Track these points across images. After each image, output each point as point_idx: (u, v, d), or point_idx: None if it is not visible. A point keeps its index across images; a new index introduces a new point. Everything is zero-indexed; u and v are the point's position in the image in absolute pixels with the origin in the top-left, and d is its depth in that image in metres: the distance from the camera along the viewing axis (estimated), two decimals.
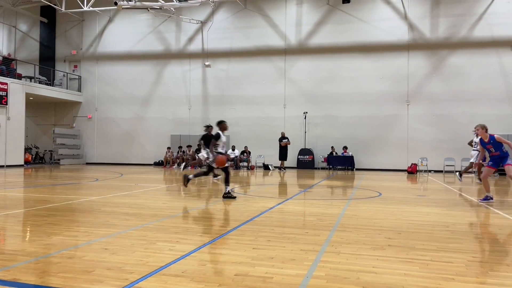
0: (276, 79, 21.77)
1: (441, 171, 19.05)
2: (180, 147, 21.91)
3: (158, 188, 11.18)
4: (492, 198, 8.16)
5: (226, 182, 8.53)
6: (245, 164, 21.14)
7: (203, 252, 4.18)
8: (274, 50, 21.80)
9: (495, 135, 8.04)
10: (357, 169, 20.11)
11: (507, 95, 18.89)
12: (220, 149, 8.50)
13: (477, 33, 19.27)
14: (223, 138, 8.59)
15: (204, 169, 9.13)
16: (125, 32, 23.92)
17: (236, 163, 20.74)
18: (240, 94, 22.13)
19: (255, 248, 4.34)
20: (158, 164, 22.35)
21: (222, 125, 8.66)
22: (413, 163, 19.00)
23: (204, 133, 13.63)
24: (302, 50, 21.51)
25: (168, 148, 22.17)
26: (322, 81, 21.14)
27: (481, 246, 4.52)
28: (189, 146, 21.52)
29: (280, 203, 7.88)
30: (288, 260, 3.87)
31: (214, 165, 8.57)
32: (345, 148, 20.40)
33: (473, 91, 19.18)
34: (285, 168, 19.54)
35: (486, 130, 8.12)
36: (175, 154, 21.86)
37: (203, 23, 22.75)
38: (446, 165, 18.89)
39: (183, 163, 17.80)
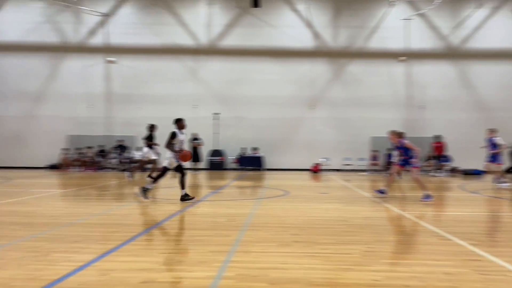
0: (187, 79, 21.44)
1: (340, 170, 20.53)
2: (78, 149, 20.26)
3: (53, 193, 10.23)
4: (385, 193, 9.13)
5: (182, 184, 8.22)
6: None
7: (106, 261, 3.91)
8: (184, 49, 21.44)
9: (405, 141, 8.98)
10: (266, 169, 20.71)
11: (394, 101, 21.09)
12: (177, 149, 8.17)
13: (371, 44, 21.19)
14: (181, 136, 8.28)
15: (158, 172, 8.50)
16: (14, 21, 21.43)
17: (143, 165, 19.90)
18: (148, 93, 21.33)
19: (163, 253, 4.20)
20: (52, 167, 20.40)
21: (179, 123, 8.41)
22: (317, 162, 20.19)
23: (146, 132, 13.37)
24: (213, 51, 21.51)
25: (64, 149, 20.36)
26: (233, 82, 21.38)
27: (374, 237, 4.94)
28: (89, 148, 20.08)
29: (189, 206, 7.75)
30: (198, 263, 3.81)
31: (171, 165, 8.18)
32: (255, 149, 20.88)
33: (367, 97, 21.04)
34: (198, 169, 19.39)
35: (399, 135, 9.07)
36: (73, 155, 20.17)
37: (107, 16, 21.46)
38: (345, 164, 20.45)
39: (129, 172, 14.76)
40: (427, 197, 8.39)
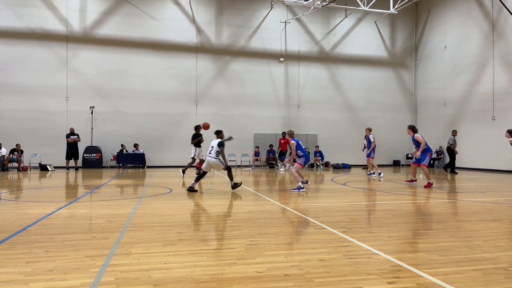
0: (57, 68, 19.38)
1: None
2: None
3: None
4: (305, 184, 10.32)
5: (230, 177, 9.90)
6: (16, 164, 18.03)
7: None
8: (53, 36, 19.33)
9: (292, 141, 9.91)
10: (148, 167, 19.96)
11: (275, 100, 22.30)
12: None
13: (253, 44, 22.00)
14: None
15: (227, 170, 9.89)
16: None
17: (3, 163, 17.47)
18: (8, 82, 18.70)
19: (30, 262, 3.71)
20: None
21: (220, 134, 10.06)
22: (201, 159, 20.15)
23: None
24: (87, 39, 19.83)
25: None
26: (111, 75, 20.04)
27: (257, 231, 5.13)
28: None
29: (61, 208, 7.03)
30: (72, 270, 3.46)
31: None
32: (136, 145, 19.94)
33: (250, 95, 21.82)
34: (78, 168, 17.88)
35: (292, 136, 10.22)
36: None
37: None
38: (229, 160, 20.84)
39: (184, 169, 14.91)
40: (298, 188, 9.45)
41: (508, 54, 17.76)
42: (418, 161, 11.26)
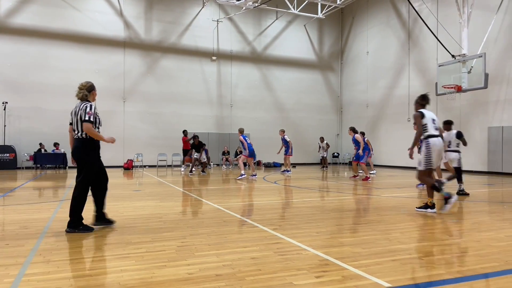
0: None
1: (155, 166, 20.30)
2: None
3: None
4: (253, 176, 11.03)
5: (459, 179, 8.69)
6: None
7: None
8: None
9: (240, 138, 11.95)
10: (70, 167, 18.71)
11: (207, 99, 22.12)
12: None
13: (184, 41, 21.61)
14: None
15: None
16: None
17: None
18: None
19: None
20: None
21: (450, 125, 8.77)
22: (129, 159, 19.40)
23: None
24: (0, 29, 18.04)
25: None
26: (28, 68, 18.44)
27: (188, 231, 5.04)
28: None
29: None
30: None
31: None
32: (56, 144, 18.58)
33: (181, 93, 21.40)
34: None
35: (241, 132, 12.37)
36: None
37: None
38: (159, 160, 20.33)
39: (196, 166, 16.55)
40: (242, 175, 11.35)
41: (421, 61, 19.40)
42: (358, 159, 12.83)
